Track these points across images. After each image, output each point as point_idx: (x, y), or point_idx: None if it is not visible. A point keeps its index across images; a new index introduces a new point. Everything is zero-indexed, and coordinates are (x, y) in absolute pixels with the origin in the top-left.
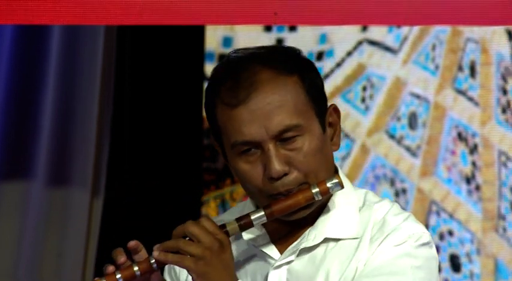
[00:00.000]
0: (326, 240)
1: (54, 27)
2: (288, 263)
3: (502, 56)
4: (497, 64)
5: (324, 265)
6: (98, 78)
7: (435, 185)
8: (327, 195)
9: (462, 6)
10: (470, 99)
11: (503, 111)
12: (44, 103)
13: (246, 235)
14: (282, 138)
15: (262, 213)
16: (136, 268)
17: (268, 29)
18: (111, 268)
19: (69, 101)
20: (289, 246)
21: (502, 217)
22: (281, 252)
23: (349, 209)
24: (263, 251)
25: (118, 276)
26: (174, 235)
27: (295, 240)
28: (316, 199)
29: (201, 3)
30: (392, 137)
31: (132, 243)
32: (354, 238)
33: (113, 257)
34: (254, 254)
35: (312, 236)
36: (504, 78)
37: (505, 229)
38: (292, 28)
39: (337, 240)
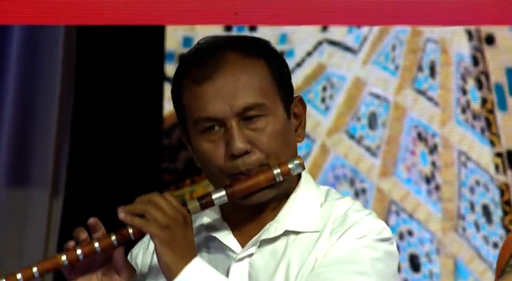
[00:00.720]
0: (287, 233)
1: (14, 27)
2: (250, 255)
3: (461, 56)
4: (457, 64)
5: (285, 258)
6: (57, 79)
7: (395, 185)
8: (289, 176)
9: (422, 6)
10: (430, 99)
11: (463, 111)
12: (3, 104)
13: (207, 227)
14: (246, 116)
15: (224, 192)
16: (96, 244)
17: (228, 29)
18: (71, 243)
19: (28, 101)
20: (250, 239)
21: (461, 217)
22: (242, 245)
23: (311, 204)
24: (224, 244)
25: (78, 252)
26: (138, 202)
27: (256, 233)
28: (278, 179)
29: (162, 3)
30: (352, 137)
31: (92, 220)
32: (315, 232)
33: (73, 236)
34: (214, 246)
35: (273, 228)
36: (464, 78)
37: (464, 229)
38: (253, 28)
39: (297, 233)
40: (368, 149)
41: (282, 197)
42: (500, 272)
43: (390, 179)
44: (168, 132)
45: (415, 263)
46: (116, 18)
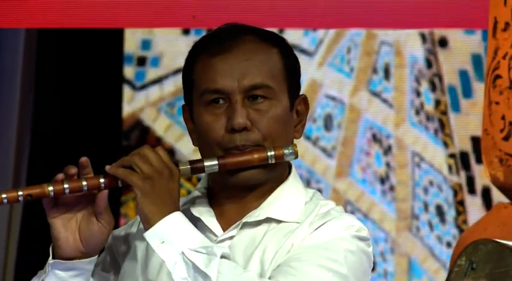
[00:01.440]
0: (268, 220)
1: None
2: (230, 238)
3: (415, 59)
4: (411, 66)
5: (263, 243)
6: (18, 81)
7: (350, 186)
8: (281, 161)
9: (376, 10)
10: (385, 101)
11: (417, 113)
12: None
13: (192, 208)
14: (251, 95)
15: (216, 162)
16: (84, 183)
17: (186, 32)
18: (60, 176)
19: None
20: (232, 224)
21: (415, 217)
22: (224, 229)
23: (296, 199)
24: (206, 226)
25: (65, 185)
26: (131, 154)
27: (239, 219)
28: (270, 161)
29: (121, 7)
30: (308, 138)
31: (84, 159)
32: (295, 222)
33: (63, 171)
34: (197, 226)
35: (256, 214)
36: (418, 80)
37: (418, 229)
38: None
39: (278, 222)
40: (324, 150)
41: (269, 187)
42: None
43: (345, 180)
44: (127, 133)
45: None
46: (76, 21)
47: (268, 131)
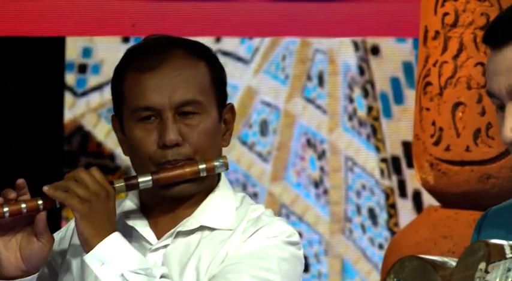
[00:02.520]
0: (202, 228)
1: None
2: (165, 247)
3: (348, 66)
4: (344, 74)
5: (197, 251)
6: None
7: (285, 189)
8: (212, 173)
9: (311, 19)
10: (319, 107)
11: (350, 118)
12: None
13: (126, 217)
14: (182, 111)
15: (150, 177)
16: (23, 205)
17: (126, 40)
18: None
19: None
20: (165, 232)
21: (348, 220)
22: (158, 237)
23: (227, 205)
24: (140, 234)
25: (5, 209)
26: (66, 179)
27: (173, 227)
28: (202, 174)
29: (63, 16)
30: (244, 143)
31: (21, 181)
32: (228, 229)
33: (2, 194)
34: (131, 236)
35: (189, 223)
36: (350, 87)
37: (351, 231)
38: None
39: (212, 229)
40: (259, 155)
41: (201, 196)
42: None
43: (281, 184)
44: (68, 139)
45: (304, 264)
46: (19, 30)
47: (199, 145)
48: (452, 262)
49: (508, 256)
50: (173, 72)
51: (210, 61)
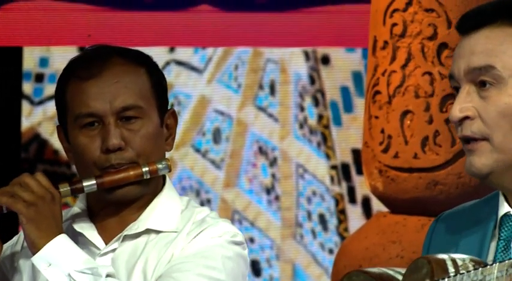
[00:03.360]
0: (148, 231)
1: None
2: (113, 251)
3: (299, 76)
4: (295, 83)
5: (144, 254)
6: None
7: (237, 196)
8: (155, 175)
9: (262, 29)
10: (270, 115)
11: (301, 127)
12: None
13: (73, 222)
14: (123, 116)
15: (94, 181)
16: None
17: (82, 49)
18: None
19: None
20: (113, 237)
21: (299, 225)
22: (105, 242)
23: (172, 208)
24: (88, 239)
25: None
26: (11, 184)
27: (120, 232)
28: (145, 177)
29: (20, 26)
30: (197, 151)
31: None
32: (174, 232)
33: None
34: (79, 241)
35: (135, 226)
36: (301, 96)
37: (302, 236)
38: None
39: (158, 232)
40: (213, 162)
41: (146, 199)
42: None
43: (233, 190)
44: (25, 146)
45: (256, 269)
46: None
47: (141, 149)
48: (399, 276)
49: (450, 272)
50: (113, 79)
51: (150, 68)
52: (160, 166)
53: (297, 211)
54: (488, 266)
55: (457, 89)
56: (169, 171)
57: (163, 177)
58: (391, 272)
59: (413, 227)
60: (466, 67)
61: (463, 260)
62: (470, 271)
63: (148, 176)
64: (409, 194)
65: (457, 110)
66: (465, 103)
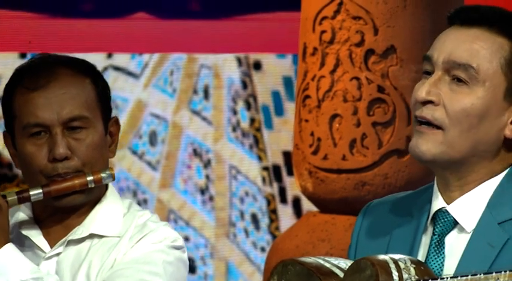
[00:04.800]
0: (91, 236)
1: None
2: (57, 255)
3: (232, 81)
4: (228, 88)
5: (88, 258)
6: None
7: (173, 196)
8: (100, 184)
9: (196, 36)
10: (204, 119)
11: (234, 129)
12: None
13: (20, 227)
14: (70, 126)
15: (41, 190)
16: None
17: (23, 56)
18: None
19: None
20: (58, 240)
21: (232, 224)
22: (50, 246)
23: (115, 212)
24: (34, 243)
25: None
26: None
27: (64, 236)
28: (90, 186)
29: None
30: (134, 153)
31: None
32: (116, 236)
33: None
34: (25, 245)
35: (79, 231)
36: (234, 100)
37: (235, 235)
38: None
39: (101, 237)
40: (149, 163)
41: (90, 205)
42: None
43: (169, 191)
44: None
45: (191, 266)
46: None
47: (87, 158)
48: (335, 269)
49: (394, 275)
50: (61, 90)
51: (95, 78)
52: (104, 175)
53: (230, 211)
54: (439, 279)
55: (427, 73)
56: (113, 180)
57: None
58: (328, 265)
59: (341, 226)
60: (446, 57)
61: (404, 262)
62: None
63: (93, 185)
64: (337, 195)
65: (424, 91)
66: (434, 88)
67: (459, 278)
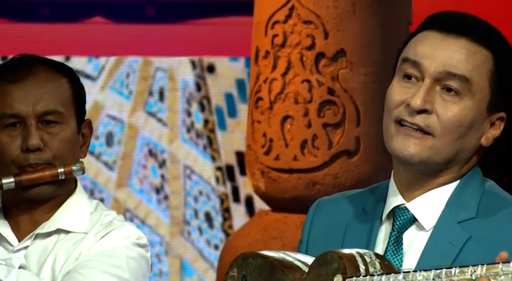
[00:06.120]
0: (58, 231)
1: None
2: (25, 248)
3: (187, 83)
4: (183, 90)
5: (53, 251)
6: None
7: (129, 195)
8: (70, 176)
9: (151, 39)
10: (160, 120)
11: (188, 131)
12: None
13: None
14: (44, 119)
15: (12, 179)
16: None
17: None
18: None
19: None
20: (26, 234)
21: (187, 223)
22: (19, 240)
23: (82, 210)
24: (3, 237)
25: None
26: None
27: (32, 230)
28: (60, 177)
29: None
30: (91, 153)
31: None
32: (83, 232)
33: None
34: None
35: (47, 226)
36: (189, 102)
37: (189, 233)
38: (4, 58)
39: (67, 232)
40: (106, 163)
41: (59, 201)
42: None
43: (125, 190)
44: None
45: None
46: None
47: (58, 152)
48: (298, 262)
49: (361, 269)
50: (37, 85)
51: (72, 79)
52: (74, 167)
53: (184, 210)
54: (412, 272)
55: (408, 77)
56: (83, 173)
57: (75, 181)
58: (289, 258)
59: (293, 224)
60: (440, 67)
61: (370, 256)
62: (390, 273)
63: (63, 177)
64: (289, 194)
65: (420, 100)
66: (428, 97)
67: (433, 271)
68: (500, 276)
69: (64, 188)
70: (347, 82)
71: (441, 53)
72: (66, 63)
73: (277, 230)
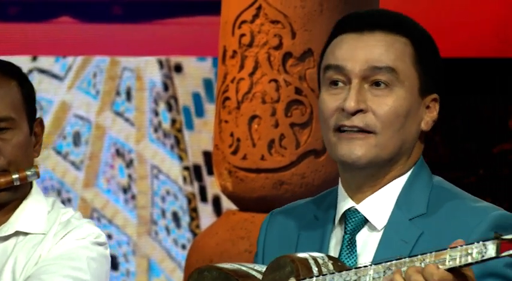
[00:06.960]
0: (17, 233)
1: None
2: None
3: (154, 83)
4: (150, 90)
5: (13, 254)
6: None
7: (96, 195)
8: (25, 182)
9: (119, 39)
10: (127, 120)
11: (155, 130)
12: None
13: None
14: None
15: None
16: None
17: None
18: None
19: None
20: None
21: (154, 222)
22: None
23: (39, 210)
24: None
25: None
26: None
27: None
28: (15, 183)
29: None
30: (58, 153)
31: None
32: (41, 234)
33: None
34: None
35: (5, 228)
36: (156, 102)
37: (157, 233)
38: None
39: (26, 234)
40: (73, 163)
41: (15, 203)
42: None
43: (92, 190)
44: None
45: (113, 263)
46: None
47: (13, 158)
48: (253, 271)
49: (314, 270)
50: None
51: (21, 80)
52: (29, 173)
53: (152, 209)
54: (363, 267)
55: (335, 83)
56: (38, 177)
57: (31, 181)
58: (244, 268)
59: (260, 224)
60: (364, 64)
61: (323, 258)
62: (342, 271)
63: (18, 183)
64: (256, 193)
65: (353, 102)
66: (360, 97)
67: (383, 263)
68: (449, 261)
69: (20, 192)
70: (314, 82)
71: (361, 51)
72: (34, 63)
73: (245, 229)
